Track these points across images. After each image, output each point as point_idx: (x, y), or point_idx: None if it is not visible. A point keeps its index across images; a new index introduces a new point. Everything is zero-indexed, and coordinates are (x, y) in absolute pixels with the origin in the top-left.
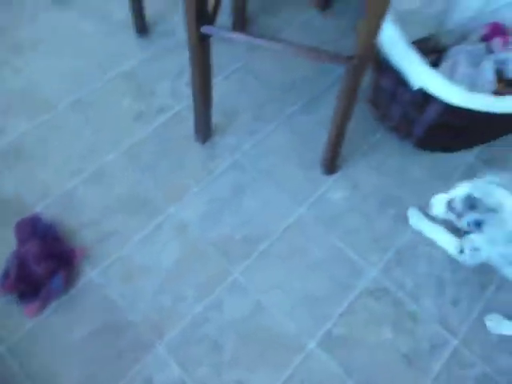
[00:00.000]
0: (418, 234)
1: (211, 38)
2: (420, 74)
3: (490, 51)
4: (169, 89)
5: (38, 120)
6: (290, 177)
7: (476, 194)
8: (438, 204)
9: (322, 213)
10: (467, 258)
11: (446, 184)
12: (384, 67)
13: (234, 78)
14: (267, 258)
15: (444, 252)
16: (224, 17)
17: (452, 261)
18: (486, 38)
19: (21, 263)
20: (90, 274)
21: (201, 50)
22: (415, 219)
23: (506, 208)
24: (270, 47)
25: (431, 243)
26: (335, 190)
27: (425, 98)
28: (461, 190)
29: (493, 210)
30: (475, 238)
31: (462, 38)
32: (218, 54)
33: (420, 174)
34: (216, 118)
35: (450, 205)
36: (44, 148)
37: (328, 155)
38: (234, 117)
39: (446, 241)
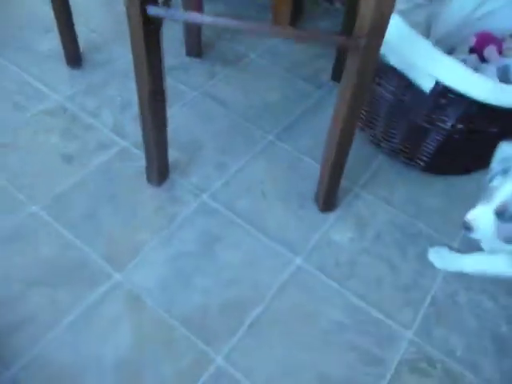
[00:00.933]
0: (454, 273)
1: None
2: (438, 66)
3: (483, 61)
4: (110, 122)
5: None
6: (277, 218)
7: None
8: (482, 219)
9: (326, 261)
10: None
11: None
12: (383, 72)
13: (193, 105)
14: (260, 332)
15: (496, 299)
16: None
17: (508, 308)
18: (475, 49)
19: None
20: None
21: (147, 39)
22: (443, 260)
23: None
24: (245, 29)
25: (473, 285)
26: (338, 229)
27: (440, 101)
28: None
29: None
30: None
31: (451, 50)
32: (174, 81)
33: (435, 201)
34: (173, 152)
35: (501, 213)
36: None
37: (325, 188)
38: (196, 150)
39: (495, 261)
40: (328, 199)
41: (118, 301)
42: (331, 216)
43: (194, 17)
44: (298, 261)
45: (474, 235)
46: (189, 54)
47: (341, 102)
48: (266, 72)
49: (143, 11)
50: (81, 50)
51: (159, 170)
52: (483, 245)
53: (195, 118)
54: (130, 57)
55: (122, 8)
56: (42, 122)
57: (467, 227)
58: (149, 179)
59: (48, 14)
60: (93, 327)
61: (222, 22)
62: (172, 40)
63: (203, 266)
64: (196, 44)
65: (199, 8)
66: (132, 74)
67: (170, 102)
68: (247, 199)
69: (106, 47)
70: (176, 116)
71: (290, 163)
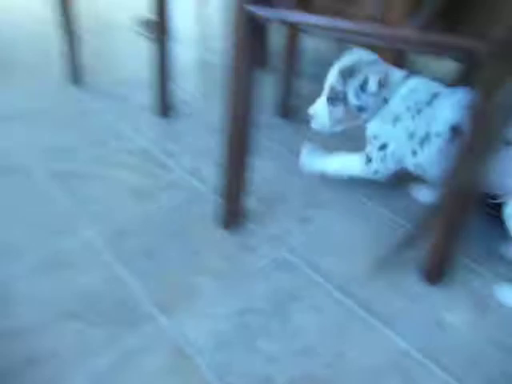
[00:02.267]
0: None
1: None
2: None
3: None
4: (186, 165)
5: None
6: (371, 284)
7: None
8: (319, 108)
9: (436, 346)
10: (379, 165)
11: None
12: None
13: (279, 160)
14: None
15: None
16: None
17: None
18: None
19: None
20: None
21: (247, 40)
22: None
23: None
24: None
25: None
26: (450, 308)
27: None
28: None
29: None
30: (375, 130)
31: None
32: (261, 138)
33: None
34: (253, 202)
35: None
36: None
37: (434, 257)
38: (277, 202)
39: (350, 162)
40: (435, 270)
41: (161, 352)
42: (441, 290)
43: (298, 17)
44: (398, 340)
45: (315, 124)
46: (278, 114)
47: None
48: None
49: (246, 10)
50: (170, 103)
51: (233, 215)
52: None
53: (280, 171)
54: (214, 112)
55: (208, 75)
56: (121, 158)
57: (309, 119)
58: (220, 223)
59: (147, 75)
60: (123, 378)
61: (327, 22)
62: (261, 101)
63: (273, 327)
64: (285, 105)
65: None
66: (214, 126)
67: (256, 155)
68: (332, 258)
69: (193, 103)
70: (260, 168)
71: (385, 226)
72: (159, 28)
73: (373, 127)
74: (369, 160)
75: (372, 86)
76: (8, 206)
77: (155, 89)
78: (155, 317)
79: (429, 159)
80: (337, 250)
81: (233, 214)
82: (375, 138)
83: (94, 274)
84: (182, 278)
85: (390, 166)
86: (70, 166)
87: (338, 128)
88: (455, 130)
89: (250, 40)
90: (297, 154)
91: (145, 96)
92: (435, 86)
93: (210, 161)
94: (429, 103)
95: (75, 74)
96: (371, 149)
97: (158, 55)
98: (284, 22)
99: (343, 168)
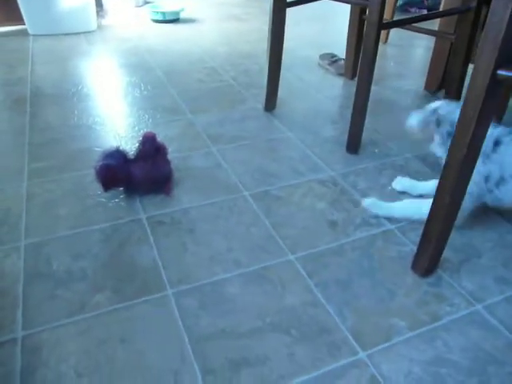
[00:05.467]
0: None
1: None
2: None
3: None
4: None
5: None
6: None
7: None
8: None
9: None
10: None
11: None
12: None
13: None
14: None
15: None
16: None
17: None
18: None
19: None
20: None
21: (490, 100)
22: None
23: None
24: None
25: None
26: None
27: None
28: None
29: None
30: None
31: None
32: None
33: None
34: (446, 250)
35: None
36: (211, 226)
37: None
38: (472, 255)
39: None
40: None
41: (360, 382)
42: None
43: None
44: None
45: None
46: None
47: None
48: None
49: (493, 73)
50: (360, 140)
51: (430, 261)
52: None
53: (474, 223)
54: (403, 156)
55: (402, 116)
56: (314, 188)
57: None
58: (414, 267)
59: (336, 110)
60: None
61: None
62: None
63: None
64: None
65: None
66: (405, 170)
67: None
68: None
69: (384, 144)
70: None
71: None
72: (348, 66)
73: None
74: None
75: None
76: (225, 220)
77: (346, 124)
78: (354, 348)
79: (506, 195)
80: None
81: (429, 261)
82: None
83: (294, 293)
84: (377, 315)
85: (470, 206)
86: (271, 189)
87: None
88: None
89: (493, 103)
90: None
91: (333, 129)
92: (497, 132)
93: None
94: (494, 150)
95: (271, 102)
96: None
97: (356, 93)
98: None
99: (413, 213)
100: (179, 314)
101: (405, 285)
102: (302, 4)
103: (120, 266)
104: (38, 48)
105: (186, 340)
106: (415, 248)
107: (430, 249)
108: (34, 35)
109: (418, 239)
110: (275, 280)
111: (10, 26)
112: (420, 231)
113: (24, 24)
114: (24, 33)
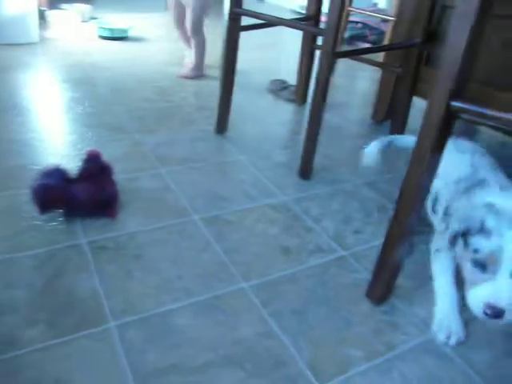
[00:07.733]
0: None
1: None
2: None
3: None
4: (330, 231)
5: (179, 220)
6: None
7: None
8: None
9: None
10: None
11: None
12: None
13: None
14: None
15: None
16: None
17: None
18: None
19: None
20: None
21: (441, 134)
22: None
23: None
24: None
25: None
26: None
27: None
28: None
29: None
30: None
31: None
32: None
33: None
34: (399, 278)
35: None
36: (159, 251)
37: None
38: (426, 281)
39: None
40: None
41: None
42: None
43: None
44: None
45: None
46: None
47: None
48: None
49: (447, 104)
50: (311, 166)
51: (384, 289)
52: None
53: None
54: (354, 182)
55: (351, 144)
56: (266, 212)
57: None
58: (369, 295)
59: (287, 135)
60: None
61: None
62: None
63: None
64: None
65: None
66: (356, 196)
67: None
68: (488, 356)
69: (335, 170)
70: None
71: None
72: (299, 92)
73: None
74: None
75: None
76: (175, 245)
77: (297, 149)
78: (311, 381)
79: None
80: (493, 347)
81: (383, 290)
82: None
83: (247, 324)
84: (333, 346)
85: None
86: (223, 214)
87: None
88: None
89: (445, 133)
90: None
91: (284, 154)
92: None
93: (351, 228)
94: None
95: (223, 125)
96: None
97: (309, 121)
98: (483, 117)
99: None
100: (123, 348)
101: (360, 313)
102: (256, 29)
103: (56, 297)
104: None
105: (131, 378)
106: (368, 275)
107: (386, 276)
108: None
109: (370, 265)
110: (227, 310)
111: None
112: (372, 258)
113: None
114: None
